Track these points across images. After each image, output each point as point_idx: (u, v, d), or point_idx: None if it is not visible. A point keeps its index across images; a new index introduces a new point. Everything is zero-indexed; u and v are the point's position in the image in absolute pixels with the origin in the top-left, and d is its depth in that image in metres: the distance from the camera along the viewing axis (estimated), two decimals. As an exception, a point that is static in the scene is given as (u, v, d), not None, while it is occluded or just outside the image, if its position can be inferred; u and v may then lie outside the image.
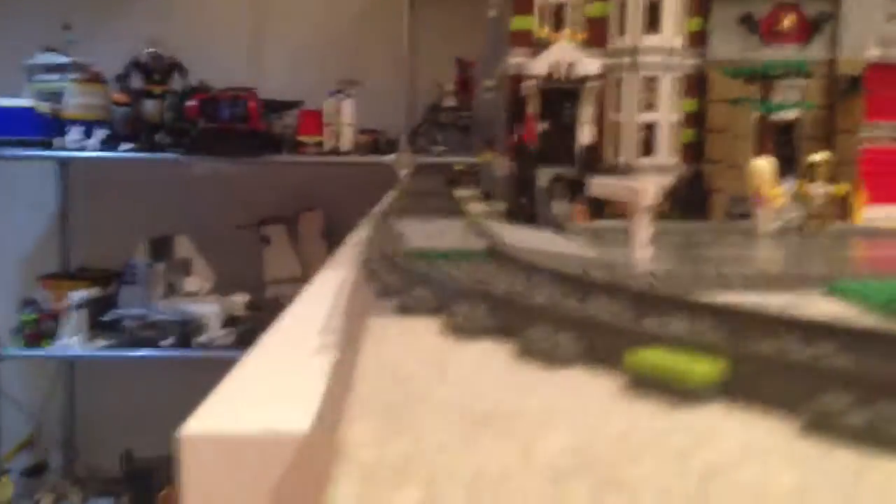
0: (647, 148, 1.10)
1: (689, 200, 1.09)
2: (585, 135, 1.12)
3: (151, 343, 2.57)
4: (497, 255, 0.70)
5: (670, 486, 0.28)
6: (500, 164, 1.26)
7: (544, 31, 1.13)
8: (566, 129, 1.14)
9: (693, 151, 1.12)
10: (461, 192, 1.68)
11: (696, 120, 1.11)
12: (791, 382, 0.34)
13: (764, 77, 1.03)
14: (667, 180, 1.07)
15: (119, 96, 2.61)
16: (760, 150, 1.06)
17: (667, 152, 1.10)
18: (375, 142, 2.68)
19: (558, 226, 0.96)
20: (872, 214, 1.05)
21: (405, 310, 0.54)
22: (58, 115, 2.59)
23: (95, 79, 2.63)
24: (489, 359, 0.43)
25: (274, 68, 2.93)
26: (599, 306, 0.48)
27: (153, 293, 2.62)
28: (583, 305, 0.49)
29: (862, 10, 1.05)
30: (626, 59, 1.10)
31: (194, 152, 2.56)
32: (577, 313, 0.45)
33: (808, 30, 1.05)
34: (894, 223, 1.04)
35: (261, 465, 0.44)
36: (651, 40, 1.08)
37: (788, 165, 1.10)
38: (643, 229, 0.74)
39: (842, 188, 1.00)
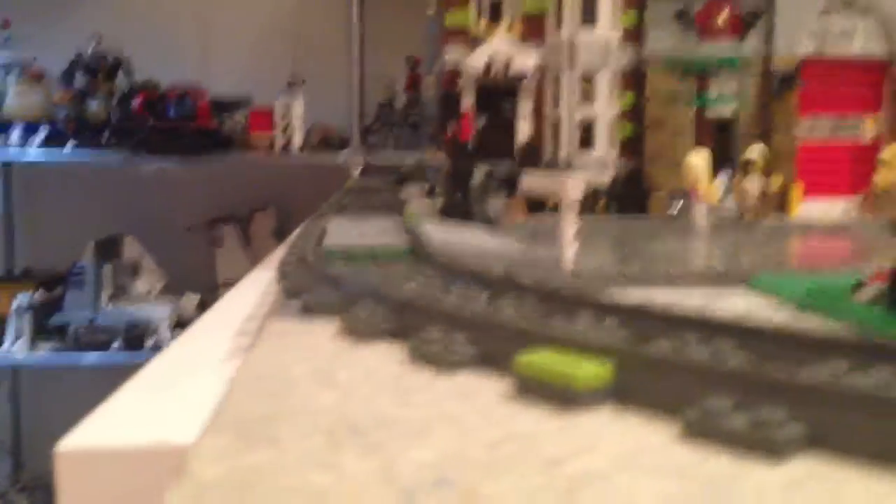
0: (586, 143, 1.09)
1: (627, 197, 1.08)
2: (523, 130, 1.11)
3: (99, 347, 2.50)
4: (417, 254, 0.68)
5: (533, 500, 0.26)
6: (441, 161, 1.24)
7: (481, 26, 1.11)
8: (505, 125, 1.12)
9: (632, 147, 1.11)
10: (408, 190, 1.66)
11: (633, 115, 1.10)
12: (677, 384, 0.33)
13: (699, 72, 1.02)
14: (604, 176, 1.06)
15: (62, 95, 2.54)
16: (698, 146, 1.05)
17: (605, 148, 1.09)
18: (327, 140, 2.65)
19: (492, 223, 0.94)
20: (808, 209, 1.05)
21: (307, 310, 0.51)
22: (-1, 114, 2.51)
23: (37, 77, 2.56)
24: (381, 363, 0.41)
25: (222, 65, 2.87)
26: (505, 306, 0.47)
27: (100, 296, 2.56)
28: (487, 307, 0.47)
29: (795, 4, 1.04)
30: (564, 54, 1.08)
31: (142, 152, 2.50)
32: (475, 314, 0.43)
33: (743, 25, 1.04)
34: (829, 217, 1.04)
35: (142, 479, 0.42)
36: (588, 35, 1.07)
37: (727, 161, 1.09)
38: (569, 226, 0.73)
39: (777, 182, 0.99)
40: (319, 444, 0.30)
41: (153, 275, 2.74)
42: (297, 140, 2.59)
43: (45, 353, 2.54)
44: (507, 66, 1.09)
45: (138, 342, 2.52)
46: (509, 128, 1.14)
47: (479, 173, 1.01)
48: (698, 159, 0.96)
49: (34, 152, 2.52)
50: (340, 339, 0.46)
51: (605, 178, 1.08)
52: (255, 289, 0.79)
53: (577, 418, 0.33)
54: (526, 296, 0.50)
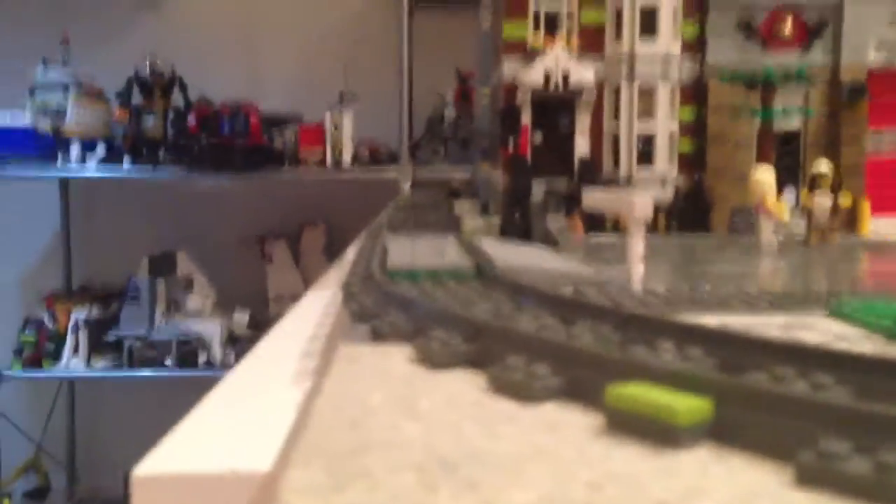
0: (646, 158, 1.07)
1: (689, 213, 1.06)
2: (581, 146, 1.09)
3: (153, 363, 2.54)
4: (484, 274, 0.67)
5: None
6: (496, 177, 1.23)
7: (538, 39, 1.10)
8: (561, 140, 1.11)
9: (693, 161, 1.09)
10: (460, 206, 1.65)
11: (695, 129, 1.08)
12: (782, 422, 0.31)
13: (764, 83, 1.00)
14: (665, 192, 1.03)
15: (120, 113, 2.59)
16: (761, 160, 1.02)
17: (665, 163, 1.07)
18: (376, 155, 2.66)
19: (553, 241, 0.92)
20: (878, 226, 1.01)
21: (378, 336, 0.51)
22: (59, 132, 2.57)
23: (96, 95, 2.61)
24: (461, 391, 0.40)
25: (272, 82, 2.91)
26: (583, 331, 0.45)
27: (155, 311, 2.60)
28: (566, 330, 0.45)
29: (863, 13, 1.01)
30: (623, 67, 1.07)
31: (197, 168, 2.54)
32: (556, 341, 0.41)
33: (808, 35, 1.01)
34: (902, 234, 1.00)
35: (218, 508, 0.41)
36: (647, 47, 1.05)
37: (791, 175, 1.06)
38: (637, 245, 0.71)
39: (847, 198, 0.96)
40: (412, 481, 0.29)
41: (205, 290, 2.77)
42: (347, 155, 2.60)
43: (100, 368, 2.58)
44: (565, 79, 1.08)
45: (192, 358, 2.55)
46: (565, 143, 1.12)
47: (538, 191, 0.99)
48: (766, 175, 0.93)
49: (92, 168, 2.57)
50: (415, 365, 0.45)
51: (666, 194, 1.06)
52: (314, 308, 0.78)
53: (678, 457, 0.31)
54: (601, 320, 0.49)
